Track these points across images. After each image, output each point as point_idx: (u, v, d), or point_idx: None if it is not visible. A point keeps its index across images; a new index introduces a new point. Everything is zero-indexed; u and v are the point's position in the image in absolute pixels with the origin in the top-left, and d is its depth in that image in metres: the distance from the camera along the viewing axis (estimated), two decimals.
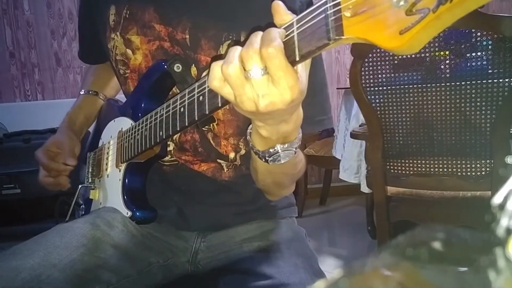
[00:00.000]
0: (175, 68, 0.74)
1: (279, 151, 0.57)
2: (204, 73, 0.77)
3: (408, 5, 0.34)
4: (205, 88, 0.56)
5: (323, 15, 0.41)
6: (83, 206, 0.96)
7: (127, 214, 0.79)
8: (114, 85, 1.05)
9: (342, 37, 0.40)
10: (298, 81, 0.45)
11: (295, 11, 0.72)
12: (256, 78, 0.44)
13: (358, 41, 0.39)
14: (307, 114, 0.75)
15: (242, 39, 0.76)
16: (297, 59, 0.44)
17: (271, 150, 0.57)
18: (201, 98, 0.57)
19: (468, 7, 0.33)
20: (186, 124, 0.61)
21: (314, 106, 0.75)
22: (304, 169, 0.74)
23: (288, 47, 0.45)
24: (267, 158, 0.58)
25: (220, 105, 0.55)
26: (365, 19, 0.37)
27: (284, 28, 0.46)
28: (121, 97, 0.98)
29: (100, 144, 0.95)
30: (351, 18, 0.38)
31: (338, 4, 0.40)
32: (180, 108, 0.62)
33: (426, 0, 0.33)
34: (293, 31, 0.45)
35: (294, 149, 0.58)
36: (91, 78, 1.03)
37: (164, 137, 0.68)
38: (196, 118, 0.59)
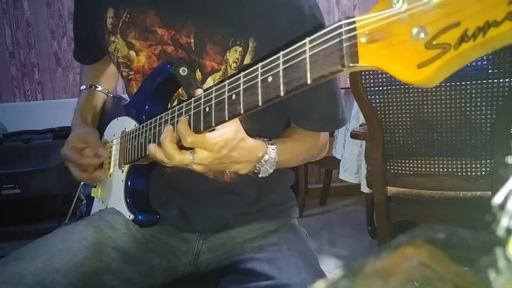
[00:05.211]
0: (180, 72, 0.72)
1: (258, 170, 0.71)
2: (208, 78, 0.77)
3: (428, 38, 0.32)
4: (211, 99, 0.56)
5: (338, 40, 0.39)
6: (85, 202, 0.95)
7: (129, 217, 0.79)
8: (112, 77, 1.04)
9: (357, 64, 0.38)
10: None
11: (304, 17, 0.72)
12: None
13: (373, 69, 0.38)
14: (334, 113, 0.82)
15: (250, 44, 0.74)
16: (309, 82, 0.42)
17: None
18: (207, 109, 0.57)
19: (492, 47, 0.31)
20: None
21: (337, 105, 0.81)
22: (327, 142, 0.88)
23: (299, 69, 0.43)
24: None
25: (227, 118, 0.54)
26: (382, 48, 0.35)
27: (295, 48, 0.43)
28: (123, 93, 0.98)
29: (102, 141, 0.94)
30: (367, 45, 0.36)
31: (354, 29, 0.37)
32: (185, 117, 0.62)
33: (447, 35, 0.31)
34: (305, 52, 0.42)
35: (268, 168, 0.71)
36: (90, 73, 1.02)
37: None
38: (202, 129, 0.58)
